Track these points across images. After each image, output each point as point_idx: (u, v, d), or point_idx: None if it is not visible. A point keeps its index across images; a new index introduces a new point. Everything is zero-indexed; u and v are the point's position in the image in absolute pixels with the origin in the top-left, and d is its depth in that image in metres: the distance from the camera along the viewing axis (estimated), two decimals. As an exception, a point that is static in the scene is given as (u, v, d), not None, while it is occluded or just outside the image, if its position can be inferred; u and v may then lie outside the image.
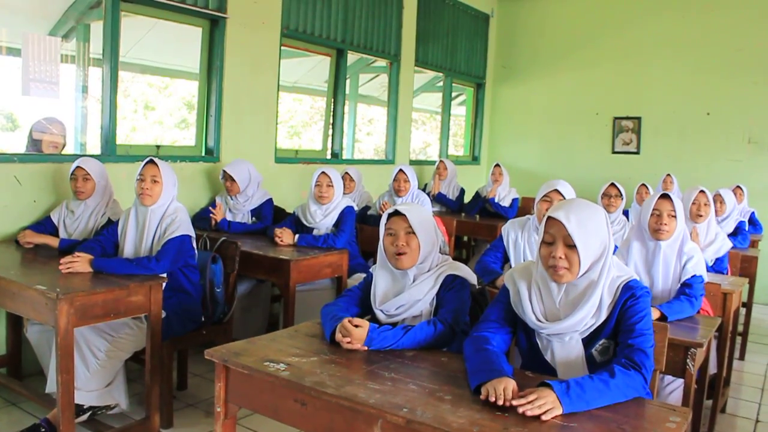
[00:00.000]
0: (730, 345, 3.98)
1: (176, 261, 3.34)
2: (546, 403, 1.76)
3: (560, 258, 2.06)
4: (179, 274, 3.43)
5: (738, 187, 6.30)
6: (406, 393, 1.89)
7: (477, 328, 2.25)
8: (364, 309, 2.62)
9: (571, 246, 2.05)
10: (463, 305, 2.50)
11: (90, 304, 2.82)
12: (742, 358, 5.15)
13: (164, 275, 3.22)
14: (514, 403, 1.76)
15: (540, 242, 2.14)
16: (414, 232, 2.49)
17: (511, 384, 1.85)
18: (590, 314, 2.09)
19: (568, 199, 2.21)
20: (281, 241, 4.25)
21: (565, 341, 2.13)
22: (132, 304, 3.01)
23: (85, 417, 3.13)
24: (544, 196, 3.50)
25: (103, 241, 3.46)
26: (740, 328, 4.96)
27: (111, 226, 3.59)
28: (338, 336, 2.26)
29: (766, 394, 4.45)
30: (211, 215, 4.61)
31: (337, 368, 2.07)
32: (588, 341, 2.13)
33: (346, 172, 5.68)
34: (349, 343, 2.23)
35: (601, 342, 2.12)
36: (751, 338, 5.42)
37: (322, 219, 4.42)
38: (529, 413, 1.74)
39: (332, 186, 4.44)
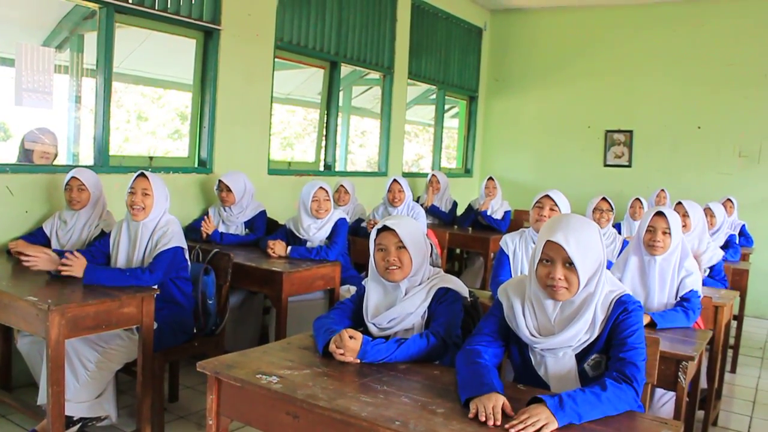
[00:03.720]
0: (722, 358, 4.00)
1: (168, 273, 3.33)
2: (539, 420, 1.76)
3: (560, 279, 2.07)
4: (171, 285, 3.41)
5: (728, 199, 6.33)
6: (399, 406, 1.89)
7: (469, 341, 2.25)
8: (357, 322, 2.61)
9: (570, 266, 2.06)
10: (455, 318, 2.50)
11: (81, 315, 2.81)
12: (733, 371, 5.16)
13: (155, 287, 3.20)
14: (507, 427, 1.76)
15: (536, 262, 2.13)
16: (405, 247, 2.49)
17: (500, 401, 1.85)
18: (584, 330, 2.09)
19: (562, 215, 2.22)
20: (273, 252, 4.25)
21: (559, 356, 2.14)
22: (124, 316, 2.99)
23: (75, 429, 3.11)
24: (537, 202, 3.57)
25: (94, 251, 3.45)
26: (731, 341, 4.98)
27: (103, 237, 3.58)
28: (332, 347, 2.26)
29: (757, 406, 4.46)
30: (201, 227, 4.60)
31: (329, 381, 2.07)
32: (580, 356, 2.14)
33: (341, 185, 5.68)
34: (342, 354, 2.23)
35: (593, 357, 2.12)
36: (742, 351, 5.44)
37: (316, 232, 4.43)
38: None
39: (329, 200, 4.48)
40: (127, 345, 3.22)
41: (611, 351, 2.08)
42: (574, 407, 1.81)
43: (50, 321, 2.67)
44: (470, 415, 1.82)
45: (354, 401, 1.90)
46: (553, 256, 2.08)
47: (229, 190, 4.72)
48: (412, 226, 2.55)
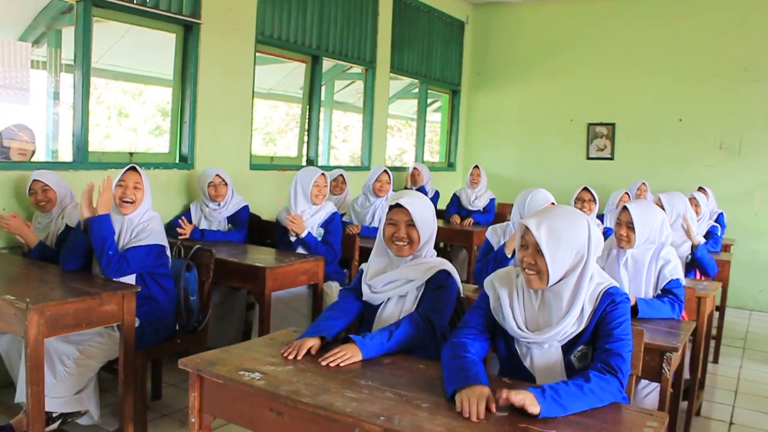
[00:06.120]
0: (705, 348, 4.02)
1: (137, 269, 3.26)
2: (524, 399, 1.77)
3: (530, 263, 2.09)
4: (151, 282, 3.36)
5: (701, 188, 6.34)
6: (383, 401, 1.87)
7: (456, 334, 2.24)
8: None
9: (541, 253, 2.06)
10: (448, 306, 2.55)
11: (61, 314, 2.76)
12: (716, 361, 5.21)
13: (133, 283, 3.17)
14: (491, 408, 1.78)
15: (517, 246, 2.17)
16: (414, 225, 2.57)
17: (485, 393, 1.85)
18: (571, 323, 2.09)
19: (550, 206, 2.24)
20: (293, 223, 4.26)
21: (544, 348, 2.14)
22: (104, 314, 2.94)
23: (55, 425, 3.05)
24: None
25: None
26: (713, 332, 5.01)
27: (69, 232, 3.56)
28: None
29: (739, 396, 4.50)
30: (178, 230, 4.50)
31: (313, 377, 2.05)
32: (567, 348, 2.14)
33: (341, 174, 5.79)
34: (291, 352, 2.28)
35: (579, 348, 2.12)
36: (724, 341, 5.48)
37: (309, 218, 4.42)
38: (501, 403, 1.78)
39: (326, 186, 4.54)
40: (107, 343, 3.16)
41: (597, 342, 2.08)
42: (556, 398, 1.81)
43: (29, 320, 2.62)
44: (457, 409, 1.82)
45: (338, 397, 1.89)
46: (527, 240, 2.12)
47: (225, 183, 4.72)
48: (423, 206, 2.63)
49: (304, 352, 2.25)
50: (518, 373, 2.19)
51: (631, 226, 3.23)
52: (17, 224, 3.63)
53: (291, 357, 2.22)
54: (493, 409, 1.82)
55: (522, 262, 2.12)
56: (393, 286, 2.58)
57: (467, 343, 2.17)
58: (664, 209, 4.39)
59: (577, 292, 2.08)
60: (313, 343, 2.30)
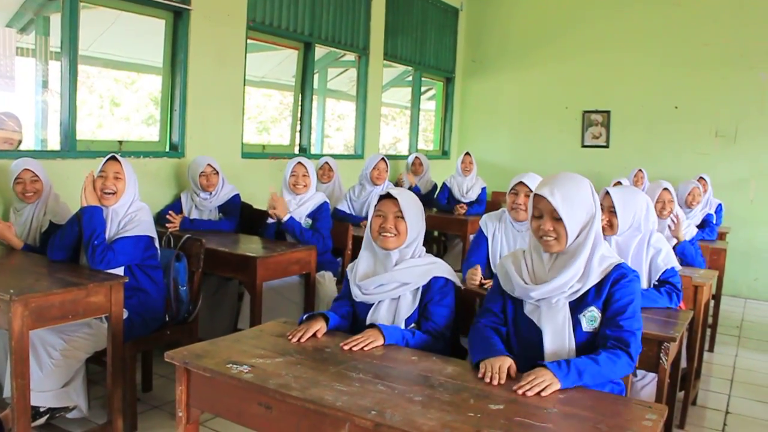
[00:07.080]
0: (701, 337, 3.99)
1: (125, 260, 3.21)
2: (544, 380, 1.89)
3: (549, 230, 2.15)
4: (140, 273, 3.30)
5: (701, 177, 6.31)
6: (375, 394, 1.83)
7: (481, 317, 2.34)
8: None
9: (557, 219, 2.13)
10: (453, 312, 2.60)
11: (46, 305, 2.70)
12: (711, 350, 5.18)
13: (122, 274, 3.11)
14: (514, 388, 1.87)
15: (530, 216, 2.23)
16: (403, 217, 2.56)
17: (507, 363, 1.99)
18: (576, 278, 2.15)
19: (555, 174, 2.27)
20: (274, 209, 4.19)
21: (552, 303, 2.17)
22: (91, 305, 2.88)
23: (43, 420, 3.00)
24: (512, 189, 3.50)
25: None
26: (709, 320, 4.98)
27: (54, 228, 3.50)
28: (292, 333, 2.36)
29: (735, 385, 4.47)
30: (168, 225, 4.42)
31: (302, 369, 2.00)
32: (575, 306, 2.17)
33: (326, 162, 5.69)
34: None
35: (590, 309, 2.16)
36: (720, 330, 5.46)
37: (296, 209, 4.36)
38: (529, 393, 1.85)
39: (308, 176, 4.44)
40: (95, 334, 3.11)
41: (608, 314, 2.13)
42: (574, 368, 1.93)
43: (13, 312, 2.57)
44: (479, 375, 1.94)
45: (328, 390, 1.84)
46: (541, 209, 2.18)
47: (216, 173, 4.66)
48: (412, 199, 2.65)
49: (310, 334, 2.33)
50: (525, 330, 2.23)
51: (612, 211, 3.18)
52: (6, 233, 3.52)
53: (295, 340, 2.29)
54: (513, 375, 1.97)
55: (539, 231, 2.18)
56: (385, 289, 2.55)
57: (492, 327, 2.28)
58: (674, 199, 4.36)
59: (585, 246, 2.15)
60: (320, 326, 2.38)
